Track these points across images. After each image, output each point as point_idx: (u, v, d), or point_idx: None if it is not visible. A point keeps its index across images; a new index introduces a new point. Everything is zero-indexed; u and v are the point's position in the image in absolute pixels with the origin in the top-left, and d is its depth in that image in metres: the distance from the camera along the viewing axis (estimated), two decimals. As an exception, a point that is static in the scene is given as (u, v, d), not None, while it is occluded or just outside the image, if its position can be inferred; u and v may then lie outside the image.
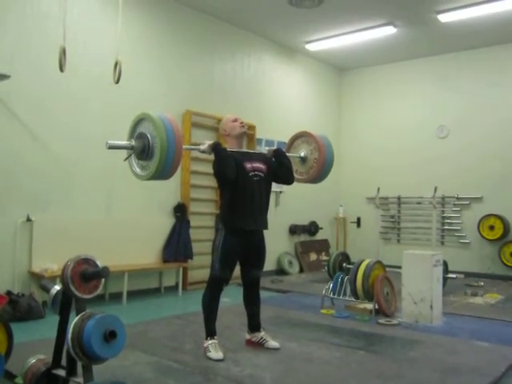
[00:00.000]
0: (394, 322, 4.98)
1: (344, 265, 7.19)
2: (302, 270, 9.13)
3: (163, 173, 3.24)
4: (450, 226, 9.11)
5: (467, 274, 7.89)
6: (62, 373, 2.79)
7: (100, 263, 2.83)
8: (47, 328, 4.39)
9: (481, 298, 6.54)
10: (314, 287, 7.07)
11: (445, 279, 6.12)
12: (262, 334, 4.03)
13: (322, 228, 9.86)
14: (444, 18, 7.53)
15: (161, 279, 6.95)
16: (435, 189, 8.09)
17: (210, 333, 3.82)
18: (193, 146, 3.88)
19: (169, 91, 7.12)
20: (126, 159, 3.38)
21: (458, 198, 8.98)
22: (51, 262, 5.46)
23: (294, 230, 9.27)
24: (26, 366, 2.89)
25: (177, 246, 6.89)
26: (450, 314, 5.38)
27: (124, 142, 3.35)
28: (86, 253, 2.87)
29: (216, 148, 3.74)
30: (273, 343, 3.98)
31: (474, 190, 8.79)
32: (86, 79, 6.08)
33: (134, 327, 4.43)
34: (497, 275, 8.39)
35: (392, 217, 9.77)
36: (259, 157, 4.00)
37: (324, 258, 9.43)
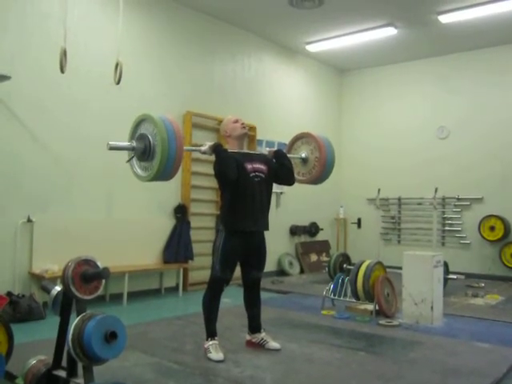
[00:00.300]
0: (395, 322, 4.97)
1: (344, 266, 7.20)
2: (302, 271, 9.12)
3: (164, 174, 3.24)
4: (450, 227, 9.11)
5: (468, 275, 7.88)
6: (62, 374, 2.79)
7: (100, 264, 2.83)
8: (48, 329, 4.39)
9: (481, 299, 6.53)
10: (314, 288, 7.07)
11: (445, 280, 6.12)
12: (263, 335, 4.02)
13: (322, 229, 9.86)
14: (445, 18, 7.53)
15: (161, 280, 6.95)
16: (436, 190, 8.10)
17: (211, 333, 3.82)
18: (194, 147, 3.87)
19: (169, 92, 7.12)
20: (128, 161, 3.38)
21: (458, 199, 8.98)
22: (52, 262, 5.47)
23: (294, 230, 9.26)
24: (27, 366, 2.89)
25: (177, 247, 6.89)
26: (450, 314, 5.37)
27: (125, 143, 3.35)
28: (87, 254, 2.86)
29: (217, 149, 3.73)
30: (273, 344, 3.97)
31: (475, 190, 8.79)
32: (87, 80, 6.09)
33: (135, 328, 4.43)
34: (497, 276, 8.39)
35: (392, 218, 9.76)
36: (260, 158, 4.00)
37: (324, 258, 9.43)
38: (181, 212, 7.10)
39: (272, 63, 8.98)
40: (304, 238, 9.59)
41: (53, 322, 3.08)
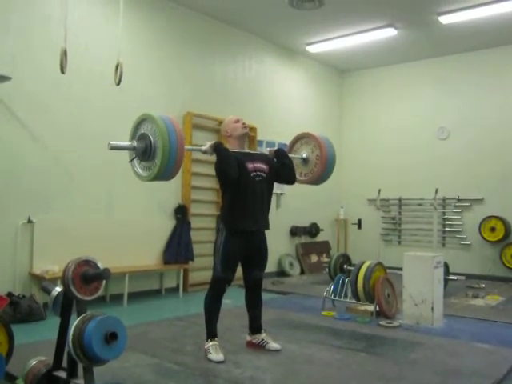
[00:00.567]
0: (395, 323, 4.97)
1: (345, 266, 7.20)
2: (302, 272, 9.12)
3: (165, 174, 3.23)
4: (450, 228, 9.11)
5: (468, 276, 7.89)
6: (62, 374, 2.79)
7: (101, 265, 2.83)
8: (48, 329, 4.40)
9: (482, 299, 6.53)
10: (314, 289, 7.06)
11: (446, 281, 6.11)
12: (263, 335, 4.02)
13: (322, 230, 9.86)
14: (445, 19, 7.53)
15: (161, 281, 6.95)
16: (436, 190, 8.10)
17: (211, 334, 3.81)
18: (194, 147, 3.87)
19: (170, 93, 7.13)
20: (130, 161, 3.37)
21: (458, 200, 8.98)
22: (52, 263, 5.47)
23: (294, 231, 9.26)
24: (27, 367, 2.89)
25: (177, 248, 6.89)
26: (451, 315, 5.37)
27: (126, 143, 3.35)
28: (87, 254, 2.86)
29: (217, 148, 3.73)
30: (274, 345, 3.97)
31: (475, 191, 8.79)
32: (87, 80, 6.09)
33: (135, 329, 4.43)
34: (498, 277, 8.38)
35: (393, 218, 9.77)
36: (261, 157, 4.00)
37: (325, 259, 9.43)
38: (181, 213, 7.10)
39: (272, 64, 8.99)
40: (304, 239, 9.59)
41: (53, 322, 3.08)
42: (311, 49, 9.06)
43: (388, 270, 5.82)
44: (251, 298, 4.06)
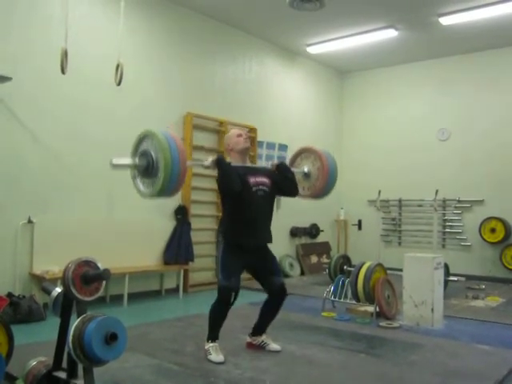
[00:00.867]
0: (395, 324, 4.98)
1: (345, 267, 7.20)
2: (302, 273, 9.12)
3: (168, 190, 3.22)
4: (451, 229, 9.11)
5: (468, 277, 7.88)
6: (62, 375, 2.79)
7: (101, 265, 2.83)
8: (48, 330, 4.40)
9: (482, 301, 6.53)
10: (314, 290, 7.06)
11: (446, 282, 6.12)
12: (263, 337, 4.02)
13: (323, 230, 9.86)
14: (445, 20, 7.53)
15: (162, 281, 6.95)
16: (436, 191, 8.09)
17: (213, 337, 3.81)
18: (196, 162, 3.84)
19: (170, 93, 7.13)
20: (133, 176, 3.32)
21: (459, 201, 8.99)
22: (52, 263, 5.46)
23: (294, 232, 9.26)
24: (27, 368, 2.89)
25: (178, 249, 6.89)
26: (451, 317, 5.37)
27: (128, 161, 3.35)
28: (87, 255, 2.87)
29: (219, 162, 3.68)
30: (274, 346, 3.97)
31: (476, 192, 8.79)
32: (87, 81, 6.09)
33: (135, 329, 4.42)
34: (498, 278, 8.38)
35: (393, 219, 9.77)
36: (263, 171, 4.00)
37: (325, 260, 9.43)
38: (181, 213, 7.10)
39: (273, 65, 8.99)
40: (304, 240, 9.58)
41: (53, 323, 3.08)
42: (311, 50, 9.06)
43: (388, 271, 5.82)
44: (271, 307, 3.97)
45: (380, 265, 5.66)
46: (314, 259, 9.51)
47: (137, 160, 3.32)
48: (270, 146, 8.35)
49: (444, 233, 9.16)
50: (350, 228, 10.24)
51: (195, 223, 7.30)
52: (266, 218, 3.90)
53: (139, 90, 6.65)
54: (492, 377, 3.47)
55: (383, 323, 5.00)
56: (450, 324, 5.10)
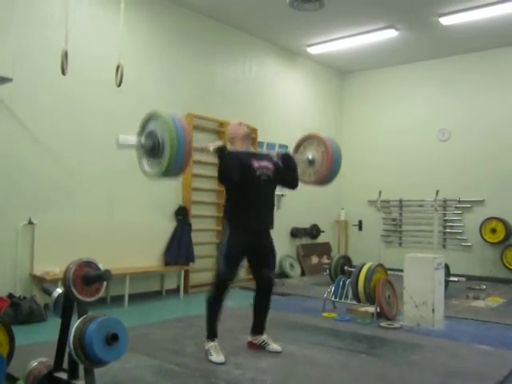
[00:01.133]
0: (396, 325, 4.97)
1: (346, 268, 7.19)
2: (303, 273, 9.12)
3: (173, 171, 3.29)
4: (451, 229, 9.11)
5: (469, 278, 7.88)
6: (63, 376, 2.79)
7: (102, 266, 2.84)
8: (49, 331, 4.40)
9: (483, 301, 6.52)
10: (315, 290, 7.06)
11: (446, 282, 6.10)
12: (264, 336, 4.02)
13: (323, 231, 9.86)
14: (446, 20, 7.53)
15: (162, 282, 6.95)
16: (437, 192, 8.09)
17: (212, 335, 3.82)
18: (202, 146, 3.90)
19: (170, 94, 7.13)
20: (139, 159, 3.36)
21: (459, 201, 8.99)
22: (53, 264, 5.46)
23: (295, 233, 9.26)
24: (28, 368, 2.89)
25: (178, 249, 6.89)
26: (451, 317, 5.37)
27: (134, 141, 3.41)
28: (88, 256, 2.87)
29: (220, 151, 3.75)
30: (274, 346, 3.97)
31: (476, 193, 8.78)
32: (88, 82, 6.09)
33: (136, 330, 4.42)
34: (499, 278, 8.38)
35: (394, 220, 9.77)
36: (267, 157, 4.05)
37: (325, 261, 9.43)
38: (182, 214, 7.10)
39: (273, 65, 8.99)
40: (305, 240, 9.58)
41: (54, 323, 3.09)
42: (312, 50, 9.06)
43: (389, 272, 5.82)
44: (260, 301, 4.04)
45: (381, 265, 5.66)
46: (314, 260, 9.51)
47: (143, 140, 3.35)
48: (271, 146, 8.35)
49: (444, 233, 9.16)
50: (351, 228, 10.24)
51: (196, 224, 7.30)
52: (269, 202, 3.95)
53: (139, 90, 6.65)
54: (492, 377, 3.47)
55: (384, 324, 5.00)
56: (450, 324, 5.10)
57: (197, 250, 7.15)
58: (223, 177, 3.76)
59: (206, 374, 3.42)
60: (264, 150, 6.55)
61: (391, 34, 8.11)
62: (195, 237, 7.20)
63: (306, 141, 4.38)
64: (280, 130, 8.80)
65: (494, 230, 8.45)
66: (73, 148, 5.99)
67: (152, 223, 6.82)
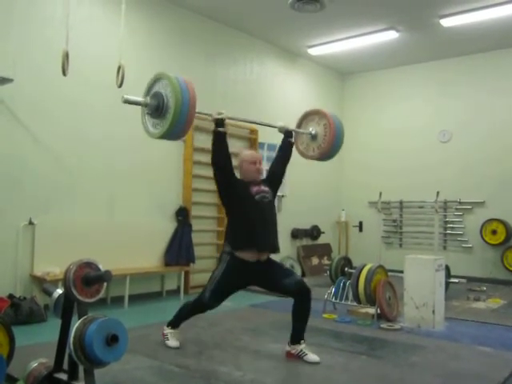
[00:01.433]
0: (396, 326, 4.97)
1: (346, 269, 7.19)
2: (303, 274, 9.10)
3: (175, 132, 3.35)
4: (452, 231, 9.10)
5: (469, 279, 7.87)
6: (63, 376, 2.79)
7: (102, 267, 2.83)
8: (49, 331, 4.40)
9: (483, 302, 6.52)
10: (315, 291, 6.95)
11: (447, 284, 6.10)
12: (302, 346, 3.80)
13: (324, 232, 9.86)
14: (447, 22, 7.53)
15: (163, 283, 6.95)
16: (437, 193, 8.09)
17: (175, 325, 4.08)
18: (205, 113, 3.94)
19: (171, 95, 7.12)
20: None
21: (460, 203, 8.98)
22: (53, 265, 5.46)
23: (295, 234, 9.26)
24: (28, 369, 2.89)
25: (179, 250, 6.89)
26: (452, 318, 5.36)
27: (139, 99, 3.47)
28: (88, 256, 2.87)
29: (216, 125, 3.94)
30: (312, 357, 3.75)
31: (477, 194, 8.78)
32: (88, 82, 6.09)
33: (136, 331, 4.41)
34: (499, 280, 8.37)
35: (394, 221, 9.76)
36: (263, 181, 4.02)
37: (326, 262, 9.42)
38: (182, 215, 7.09)
39: (273, 66, 9.00)
40: (305, 241, 9.58)
41: (54, 324, 3.08)
42: (312, 51, 9.07)
43: (389, 273, 5.82)
44: (299, 310, 3.83)
45: (381, 266, 5.66)
46: (314, 261, 9.50)
47: (148, 99, 3.43)
48: (271, 147, 8.33)
49: (445, 234, 9.15)
50: (351, 230, 10.24)
51: (196, 225, 7.30)
52: (273, 224, 3.92)
53: (140, 91, 6.61)
54: (493, 379, 3.46)
55: (384, 325, 5.00)
56: (451, 326, 5.10)
57: (197, 251, 7.14)
58: (212, 161, 3.88)
59: (206, 375, 3.41)
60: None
61: (392, 35, 8.11)
62: (195, 237, 7.19)
63: (307, 117, 4.45)
64: (280, 131, 8.78)
65: (494, 232, 8.45)
66: (73, 148, 6.00)
67: (152, 224, 6.82)
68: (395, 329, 4.91)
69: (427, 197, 8.76)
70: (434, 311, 4.91)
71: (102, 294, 2.84)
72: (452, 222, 9.10)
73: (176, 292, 6.92)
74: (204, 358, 3.77)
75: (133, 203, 6.59)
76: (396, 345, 4.31)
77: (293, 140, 4.26)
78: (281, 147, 4.27)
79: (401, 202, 9.67)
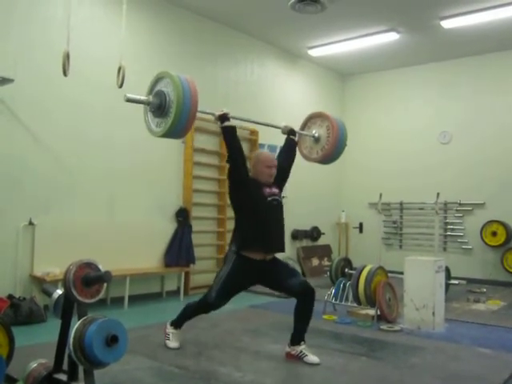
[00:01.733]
0: (396, 328, 4.96)
1: (346, 270, 7.19)
2: (303, 276, 9.10)
3: (177, 130, 3.37)
4: (452, 232, 9.10)
5: (469, 281, 7.86)
6: (63, 377, 2.78)
7: (102, 267, 2.83)
8: (49, 332, 4.39)
9: (483, 304, 6.52)
10: (315, 292, 7.03)
11: (447, 285, 6.10)
12: (302, 347, 3.81)
13: (324, 233, 9.85)
14: (447, 24, 7.54)
15: (162, 284, 6.94)
16: (437, 195, 8.08)
17: (178, 325, 4.07)
18: (207, 111, 3.95)
19: (172, 96, 7.12)
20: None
21: (460, 204, 8.98)
22: (53, 265, 5.46)
23: (296, 235, 9.25)
24: (28, 370, 2.88)
25: (179, 251, 6.89)
26: (452, 320, 5.36)
27: (142, 97, 3.50)
28: (88, 257, 2.86)
29: (221, 121, 3.90)
30: (312, 358, 3.75)
31: (477, 195, 8.78)
32: (89, 83, 6.09)
33: (136, 332, 4.41)
34: (499, 281, 8.37)
35: (394, 222, 9.76)
36: (273, 184, 4.01)
37: (326, 263, 9.43)
38: (182, 216, 7.09)
39: (274, 68, 9.00)
40: (306, 243, 9.57)
41: (54, 325, 3.08)
42: (313, 52, 9.07)
43: (389, 274, 5.82)
44: (301, 310, 3.84)
45: (381, 268, 5.66)
46: (315, 262, 9.50)
47: (151, 98, 3.47)
48: (272, 148, 8.33)
49: (445, 236, 9.15)
50: (351, 231, 10.24)
51: (196, 225, 7.30)
52: (281, 225, 3.98)
53: (141, 91, 6.61)
54: (493, 380, 3.47)
55: (384, 326, 5.00)
56: (451, 327, 5.09)
57: (197, 252, 7.14)
58: (229, 159, 3.82)
59: (206, 376, 3.42)
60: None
61: (393, 36, 8.11)
62: (196, 238, 7.19)
63: (308, 121, 4.50)
64: (281, 132, 8.77)
65: (494, 233, 8.45)
66: (74, 149, 6.00)
67: (152, 224, 6.81)
68: (395, 330, 4.90)
69: (427, 198, 8.75)
70: (433, 313, 4.90)
71: (101, 295, 2.84)
72: (452, 224, 9.10)
73: (176, 293, 6.92)
74: (204, 358, 3.77)
75: (133, 204, 6.59)
76: (396, 346, 4.31)
77: (296, 139, 4.30)
78: (285, 147, 4.30)
79: (401, 204, 9.67)
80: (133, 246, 6.40)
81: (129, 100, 3.38)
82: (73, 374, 2.73)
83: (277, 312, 5.67)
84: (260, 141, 8.37)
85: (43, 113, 5.73)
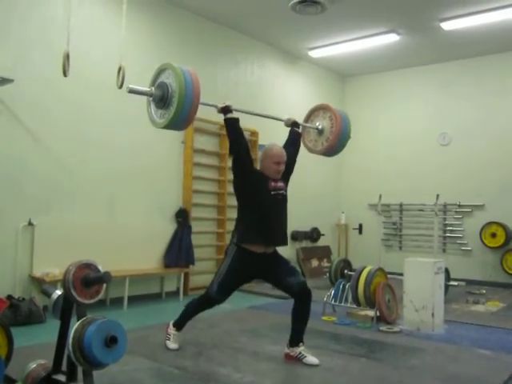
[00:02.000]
0: (396, 329, 4.96)
1: (346, 271, 7.18)
2: (303, 277, 9.09)
3: (180, 120, 3.39)
4: (451, 234, 9.10)
5: (469, 282, 7.86)
6: (62, 378, 2.78)
7: (101, 268, 2.83)
8: (48, 333, 4.38)
9: (482, 305, 6.52)
10: (315, 294, 6.88)
11: (446, 287, 6.10)
12: (301, 348, 3.80)
13: (323, 234, 9.85)
14: (447, 25, 7.54)
15: (162, 284, 6.94)
16: (437, 196, 8.09)
17: (180, 326, 4.05)
18: (210, 103, 3.97)
19: (172, 96, 7.12)
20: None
21: (459, 206, 8.98)
22: (52, 266, 5.46)
23: (295, 236, 9.25)
24: (26, 370, 2.88)
25: (178, 252, 6.88)
26: (451, 321, 5.36)
27: (144, 88, 3.50)
28: (88, 257, 2.86)
29: (225, 113, 4.01)
30: (311, 359, 3.74)
31: (476, 197, 8.78)
32: (89, 83, 6.09)
33: (135, 332, 4.40)
34: (498, 283, 8.37)
35: (394, 224, 9.76)
36: (280, 178, 3.99)
37: (326, 264, 9.42)
38: (182, 216, 7.09)
39: (274, 68, 9.00)
40: (305, 244, 9.57)
41: (53, 325, 3.07)
42: (313, 54, 9.07)
43: (389, 276, 5.81)
44: (298, 311, 3.84)
45: (381, 269, 5.65)
46: (314, 263, 9.50)
47: (153, 89, 3.48)
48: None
49: (445, 237, 9.15)
50: (351, 232, 10.24)
51: (196, 226, 7.30)
52: (284, 219, 3.97)
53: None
54: (492, 382, 3.47)
55: (384, 327, 4.99)
56: (450, 329, 5.09)
57: (197, 253, 7.14)
58: (232, 150, 3.87)
59: (206, 377, 3.41)
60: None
61: (393, 38, 8.12)
62: (195, 239, 7.19)
63: (311, 115, 4.51)
64: (281, 132, 8.65)
65: (494, 235, 8.45)
66: (73, 149, 6.00)
67: (152, 225, 6.81)
68: (394, 331, 4.90)
69: (427, 200, 8.76)
70: (433, 314, 4.90)
71: (101, 296, 2.84)
72: (451, 225, 9.10)
73: (175, 294, 6.91)
74: (203, 359, 3.76)
75: (133, 204, 6.59)
76: (395, 347, 4.31)
77: (300, 130, 4.30)
78: (289, 140, 4.28)
79: (401, 205, 9.67)
80: (132, 247, 6.40)
81: (131, 91, 3.39)
82: (72, 374, 2.73)
83: (276, 313, 5.67)
84: (260, 141, 8.36)
85: (43, 113, 5.73)
